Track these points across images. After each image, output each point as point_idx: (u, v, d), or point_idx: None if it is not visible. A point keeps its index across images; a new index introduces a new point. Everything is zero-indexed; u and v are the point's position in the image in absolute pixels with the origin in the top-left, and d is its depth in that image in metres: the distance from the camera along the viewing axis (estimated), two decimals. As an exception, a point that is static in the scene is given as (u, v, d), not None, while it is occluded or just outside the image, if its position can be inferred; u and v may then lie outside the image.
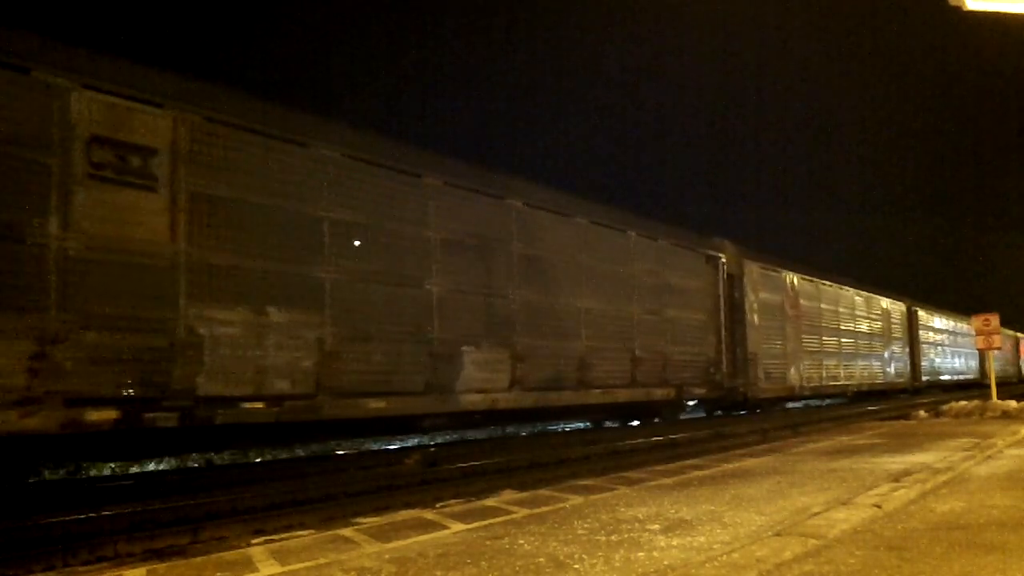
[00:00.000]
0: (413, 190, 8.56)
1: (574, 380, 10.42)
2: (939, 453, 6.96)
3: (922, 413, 13.06)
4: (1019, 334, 40.98)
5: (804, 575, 2.96)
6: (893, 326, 23.88)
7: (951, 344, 30.82)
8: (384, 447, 10.78)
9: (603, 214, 11.75)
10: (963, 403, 12.92)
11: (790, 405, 18.91)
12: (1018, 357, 39.57)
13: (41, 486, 7.53)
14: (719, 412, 15.74)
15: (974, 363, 33.86)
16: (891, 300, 24.07)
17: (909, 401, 21.56)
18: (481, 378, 8.98)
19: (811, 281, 18.27)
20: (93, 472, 8.57)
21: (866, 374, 21.02)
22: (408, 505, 6.08)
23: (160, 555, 4.78)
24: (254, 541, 4.90)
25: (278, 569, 3.36)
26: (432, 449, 9.79)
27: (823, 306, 18.68)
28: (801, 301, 17.45)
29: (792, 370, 16.50)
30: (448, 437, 12.10)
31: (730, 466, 6.59)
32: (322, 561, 3.46)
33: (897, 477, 5.42)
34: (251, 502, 5.96)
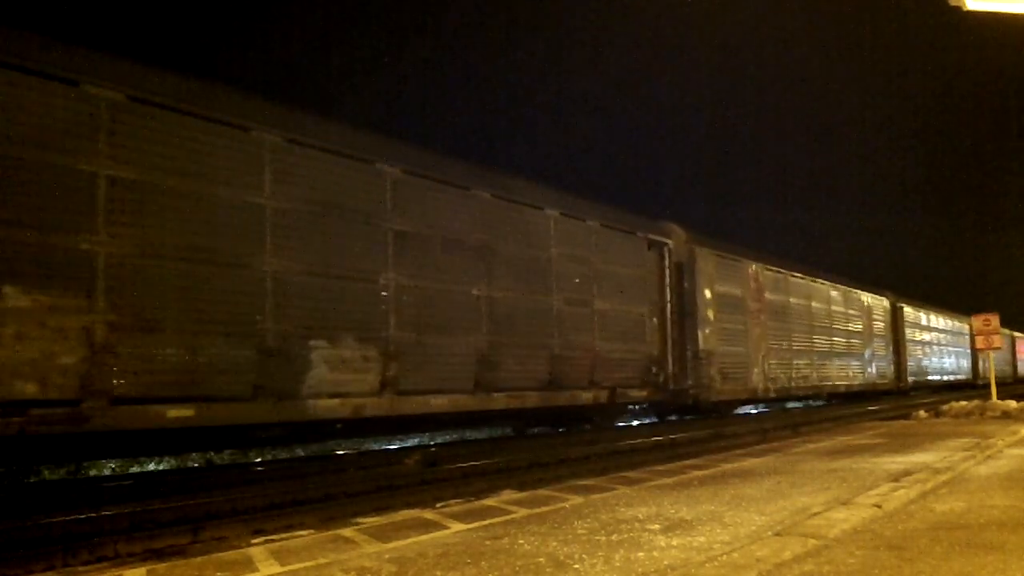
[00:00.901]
0: (240, 146, 7.03)
1: (470, 382, 8.86)
2: (939, 453, 6.97)
3: (922, 413, 13.05)
4: (1016, 333, 40.51)
5: (804, 575, 2.96)
6: (875, 323, 22.26)
7: (941, 343, 29.28)
8: (384, 447, 10.79)
9: (511, 188, 10.11)
10: (963, 403, 12.92)
11: (754, 409, 17.83)
12: (1014, 357, 39.23)
13: (41, 486, 7.54)
14: (673, 417, 14.56)
15: (966, 363, 32.58)
16: (873, 295, 22.44)
17: (891, 403, 20.62)
18: (338, 380, 7.47)
19: (779, 273, 16.72)
20: (93, 472, 8.57)
21: (843, 375, 19.48)
22: (408, 505, 6.08)
23: (160, 555, 4.79)
24: (254, 541, 4.90)
25: (278, 569, 3.36)
26: (432, 449, 9.79)
27: (793, 300, 17.14)
28: (767, 295, 15.87)
29: (755, 370, 14.94)
30: (448, 437, 12.10)
31: (730, 466, 6.59)
32: (322, 561, 3.46)
33: (897, 477, 5.42)
34: (251, 502, 5.96)
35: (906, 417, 13.09)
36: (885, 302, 23.45)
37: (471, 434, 11.88)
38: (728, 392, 14.00)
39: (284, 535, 4.88)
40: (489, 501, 5.33)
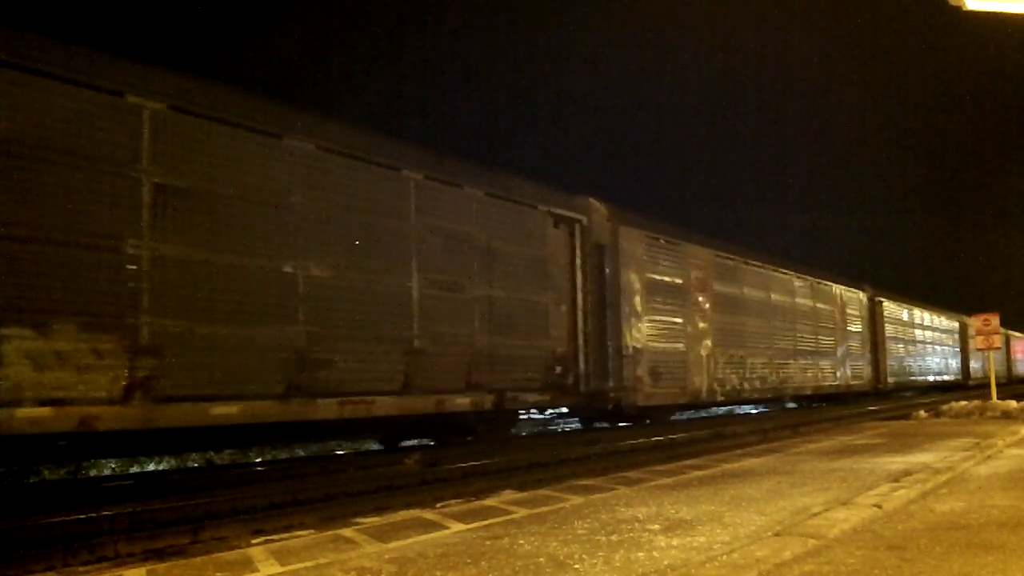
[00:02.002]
0: None
1: (280, 384, 6.94)
2: (939, 453, 6.97)
3: (922, 413, 13.07)
4: (1013, 333, 39.75)
5: (804, 575, 2.96)
6: (850, 319, 20.29)
7: (927, 340, 27.23)
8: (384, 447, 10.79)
9: (350, 141, 7.96)
10: (963, 403, 12.93)
11: (699, 414, 16.52)
12: (1009, 357, 38.20)
13: (41, 486, 7.54)
14: (605, 424, 12.89)
15: (955, 363, 30.53)
16: (847, 288, 20.38)
17: (878, 405, 19.44)
18: (48, 381, 5.48)
19: (730, 259, 14.85)
20: (93, 472, 8.58)
21: (810, 375, 17.50)
22: (408, 505, 6.08)
23: (160, 555, 4.79)
24: (254, 541, 4.90)
25: (278, 569, 3.36)
26: (432, 449, 9.78)
27: (748, 292, 15.26)
28: (715, 285, 14.05)
29: (697, 371, 13.15)
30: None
31: (730, 466, 6.59)
32: (322, 561, 3.46)
33: (897, 477, 5.42)
34: (251, 502, 5.95)
35: (906, 417, 13.10)
36: (861, 296, 21.44)
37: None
38: (661, 395, 12.21)
39: (284, 535, 4.88)
40: (489, 501, 5.33)
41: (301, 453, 10.30)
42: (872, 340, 21.72)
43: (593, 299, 11.02)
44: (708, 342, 13.61)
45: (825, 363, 18.55)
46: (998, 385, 30.44)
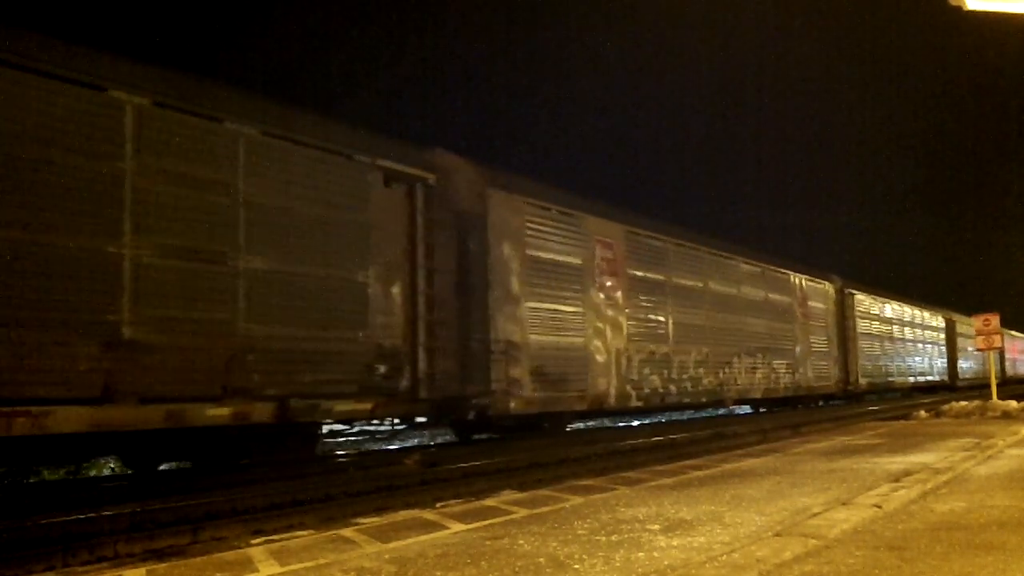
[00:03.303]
0: None
1: None
2: (939, 453, 6.96)
3: (922, 413, 13.08)
4: (1006, 331, 39.60)
5: (804, 575, 2.95)
6: (813, 312, 18.13)
7: (908, 338, 24.94)
8: (384, 447, 10.78)
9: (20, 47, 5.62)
10: (963, 403, 12.94)
11: (596, 423, 14.32)
12: (1002, 356, 36.95)
13: (41, 486, 7.54)
14: (484, 436, 10.78)
15: (941, 362, 28.26)
16: (810, 278, 18.33)
17: (841, 411, 17.50)
18: None
19: (653, 238, 12.59)
20: (93, 472, 8.57)
21: (758, 376, 15.20)
22: (408, 505, 6.08)
23: (160, 555, 4.78)
24: (254, 541, 4.90)
25: (278, 569, 3.36)
26: (432, 449, 9.78)
27: (677, 277, 13.01)
28: (630, 267, 11.87)
29: (603, 370, 10.98)
30: (447, 438, 12.09)
31: (730, 466, 6.59)
32: (322, 561, 3.46)
33: (897, 477, 5.42)
34: (251, 502, 5.95)
35: (906, 417, 13.10)
36: (827, 287, 19.23)
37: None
38: (549, 401, 10.02)
39: (284, 535, 4.87)
40: (489, 501, 5.33)
41: (473, 436, 10.29)
42: (841, 337, 19.58)
43: (448, 281, 8.73)
44: (619, 336, 11.37)
45: (779, 362, 16.23)
46: (988, 385, 29.40)
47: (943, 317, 29.55)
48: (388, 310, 8.14)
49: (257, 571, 3.35)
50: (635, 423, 15.02)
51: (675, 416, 16.23)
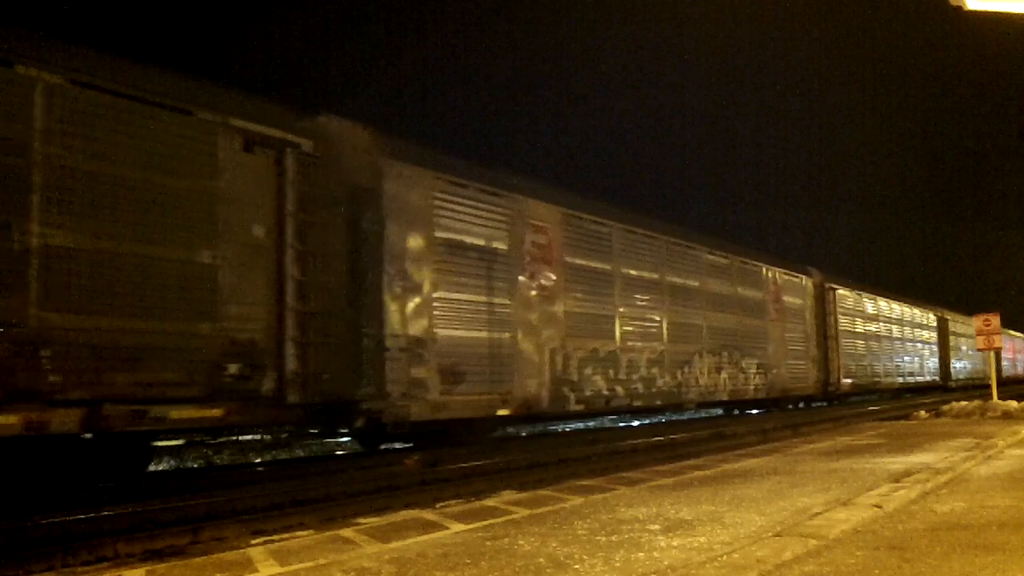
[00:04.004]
0: None
1: None
2: (940, 453, 6.96)
3: (922, 413, 13.09)
4: (1009, 332, 39.11)
5: (804, 575, 2.95)
6: (790, 308, 16.97)
7: (895, 336, 23.59)
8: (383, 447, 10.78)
9: None
10: (963, 403, 12.94)
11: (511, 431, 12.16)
12: (997, 356, 36.67)
13: (41, 486, 7.54)
14: (386, 446, 9.56)
15: (933, 362, 27.06)
16: (785, 271, 17.08)
17: (822, 414, 16.39)
18: None
19: (597, 222, 11.36)
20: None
21: (724, 377, 14.03)
22: (408, 505, 6.08)
23: (160, 555, 4.78)
24: (254, 541, 4.90)
25: (278, 569, 3.36)
26: (432, 449, 9.77)
27: (627, 267, 11.78)
28: (568, 255, 10.65)
29: (533, 370, 9.80)
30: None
31: (730, 466, 6.59)
32: (322, 561, 3.45)
33: (897, 477, 5.42)
34: (251, 502, 5.96)
35: (906, 417, 13.11)
36: (806, 281, 17.96)
37: None
38: (463, 405, 8.78)
39: (284, 535, 4.87)
40: (489, 501, 5.33)
41: (301, 453, 10.30)
42: (821, 335, 18.28)
43: (332, 265, 7.51)
44: (555, 332, 10.19)
45: (749, 362, 14.94)
46: (983, 386, 28.22)
47: (935, 315, 28.41)
48: (246, 298, 6.83)
49: (257, 571, 3.35)
50: (635, 423, 14.96)
51: (675, 416, 16.14)
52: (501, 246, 9.53)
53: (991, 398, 13.35)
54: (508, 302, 9.51)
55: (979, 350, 15.99)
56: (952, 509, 4.28)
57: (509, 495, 5.89)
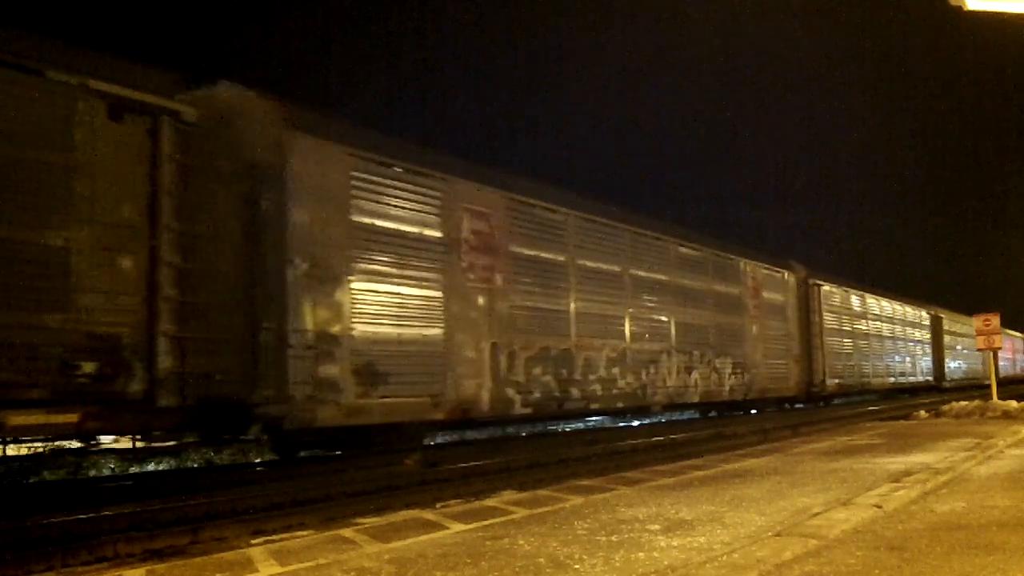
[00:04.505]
0: None
1: None
2: (940, 453, 6.96)
3: (922, 413, 13.09)
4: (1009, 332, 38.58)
5: (805, 575, 2.95)
6: (770, 305, 16.08)
7: (885, 335, 22.61)
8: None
9: None
10: (963, 403, 12.94)
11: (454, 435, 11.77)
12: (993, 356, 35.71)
13: (41, 486, 7.55)
14: (320, 452, 8.79)
15: (926, 362, 26.15)
16: (764, 265, 16.14)
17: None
18: None
19: (549, 210, 10.38)
20: (93, 472, 8.58)
21: (695, 377, 13.06)
22: (408, 505, 6.08)
23: (160, 555, 4.78)
24: (254, 541, 4.90)
25: (278, 569, 3.36)
26: (432, 449, 9.76)
27: (583, 259, 10.86)
28: (514, 246, 9.69)
29: (472, 369, 8.86)
30: (447, 438, 12.07)
31: (730, 466, 6.59)
32: (322, 561, 3.45)
33: (897, 477, 5.42)
34: (251, 502, 5.95)
35: (906, 417, 13.11)
36: (788, 276, 17.06)
37: (471, 434, 11.68)
38: (386, 409, 7.86)
39: (284, 535, 4.88)
40: (489, 501, 5.33)
41: (301, 453, 10.29)
42: (805, 333, 17.44)
43: (225, 251, 6.69)
44: (498, 328, 9.26)
45: (724, 361, 14.05)
46: (983, 386, 27.61)
47: (928, 313, 27.52)
48: (108, 286, 5.95)
49: (257, 571, 3.35)
50: (635, 423, 14.94)
51: (676, 416, 16.13)
52: (433, 233, 8.60)
53: (991, 398, 13.35)
54: (441, 295, 8.56)
55: (979, 350, 15.96)
56: (952, 509, 4.28)
57: (509, 495, 5.89)
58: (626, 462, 8.53)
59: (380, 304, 7.92)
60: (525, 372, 9.62)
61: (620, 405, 11.48)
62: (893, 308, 23.68)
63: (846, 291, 20.04)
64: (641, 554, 3.34)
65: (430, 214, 8.60)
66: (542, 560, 3.29)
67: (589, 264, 10.98)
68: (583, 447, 9.90)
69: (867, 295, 21.66)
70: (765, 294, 15.95)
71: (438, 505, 5.92)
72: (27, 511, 5.29)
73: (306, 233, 7.29)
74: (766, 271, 16.22)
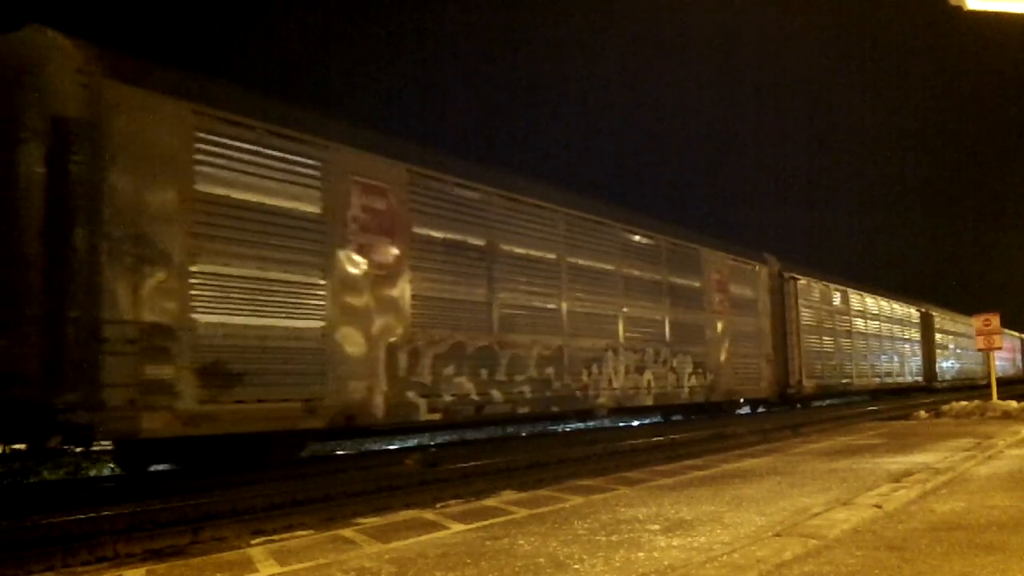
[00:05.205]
0: None
1: None
2: (940, 453, 6.96)
3: (923, 413, 13.09)
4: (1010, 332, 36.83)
5: (805, 575, 2.95)
6: (739, 300, 14.92)
7: (870, 332, 21.46)
8: (384, 447, 10.78)
9: None
10: (963, 403, 12.96)
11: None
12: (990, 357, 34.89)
13: (41, 486, 7.54)
14: (158, 468, 7.63)
15: (915, 362, 25.08)
16: (733, 256, 15.01)
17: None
18: None
19: (467, 187, 9.19)
20: (93, 472, 8.58)
21: (650, 378, 12.00)
22: (408, 505, 6.08)
23: (160, 555, 4.78)
24: (254, 541, 4.90)
25: (278, 569, 3.36)
26: (432, 449, 9.76)
27: (509, 246, 9.68)
28: (417, 227, 8.46)
29: (361, 368, 7.66)
30: (448, 437, 12.07)
31: (730, 466, 6.59)
32: (322, 561, 3.45)
33: (897, 477, 5.42)
34: (251, 502, 5.95)
35: (906, 417, 13.12)
36: (760, 270, 15.97)
37: (472, 434, 11.71)
38: (241, 417, 6.56)
39: (284, 535, 4.88)
40: (489, 501, 5.33)
41: (301, 453, 10.28)
42: (779, 330, 16.33)
43: (16, 218, 5.59)
44: (397, 321, 8.03)
45: (682, 360, 12.87)
46: (973, 387, 25.85)
47: (917, 310, 26.33)
48: None
49: (257, 571, 3.35)
50: (635, 423, 14.93)
51: (676, 416, 16.11)
52: (310, 209, 7.35)
53: (991, 398, 13.36)
54: (320, 281, 7.32)
55: (979, 350, 15.95)
56: (952, 509, 4.28)
57: (509, 495, 5.89)
58: (626, 462, 8.53)
59: (235, 290, 6.60)
60: (432, 372, 8.40)
61: (555, 409, 10.39)
62: (879, 304, 22.52)
63: (826, 285, 18.93)
64: (641, 554, 3.34)
65: (306, 186, 7.32)
66: (542, 560, 3.29)
67: (516, 250, 9.77)
68: (583, 447, 9.89)
69: (850, 290, 20.50)
70: (733, 288, 14.81)
71: (438, 505, 5.92)
72: (27, 511, 5.29)
73: (130, 203, 6.06)
74: (734, 262, 14.99)
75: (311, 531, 4.96)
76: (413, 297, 8.29)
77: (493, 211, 9.47)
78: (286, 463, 7.65)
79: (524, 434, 12.44)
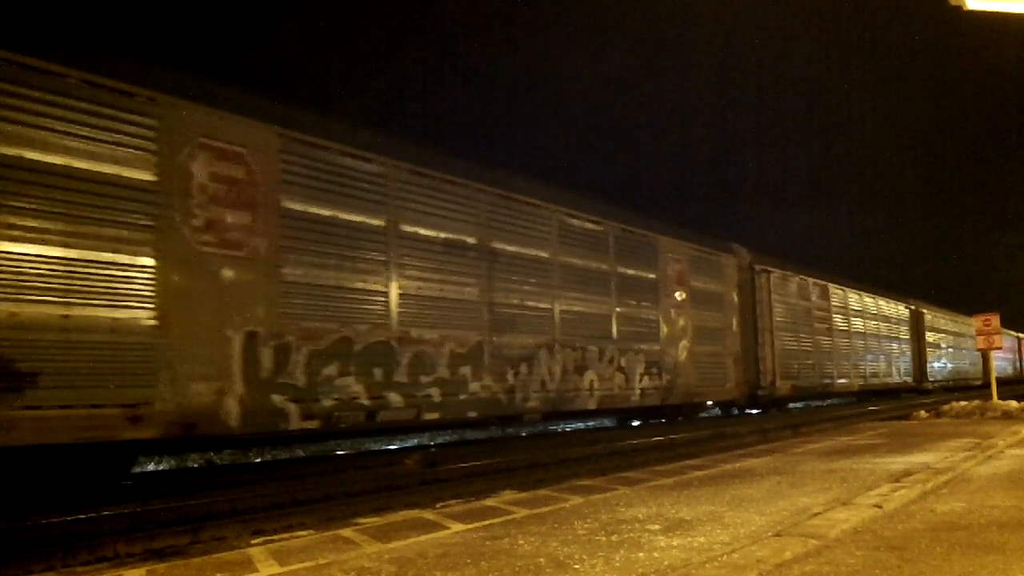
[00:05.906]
0: None
1: None
2: (940, 453, 6.96)
3: (923, 413, 13.09)
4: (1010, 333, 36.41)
5: (805, 575, 2.95)
6: (701, 293, 13.59)
7: (854, 331, 20.15)
8: (384, 447, 10.78)
9: None
10: (963, 403, 12.95)
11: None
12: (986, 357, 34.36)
13: (40, 486, 7.54)
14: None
15: (904, 362, 23.74)
16: (695, 247, 13.66)
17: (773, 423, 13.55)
18: None
19: (360, 157, 7.95)
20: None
21: (592, 379, 10.76)
22: (408, 505, 6.08)
23: (160, 555, 4.79)
24: (254, 541, 4.90)
25: (278, 569, 3.36)
26: (432, 449, 9.76)
27: (414, 227, 8.43)
28: (288, 201, 7.25)
29: (209, 370, 6.46)
30: (448, 437, 12.07)
31: (730, 466, 6.59)
32: (322, 561, 3.45)
33: (898, 477, 5.42)
34: (251, 502, 5.96)
35: (906, 417, 13.12)
36: (727, 260, 14.59)
37: (472, 434, 11.74)
38: (39, 427, 5.37)
39: (284, 535, 4.88)
40: (489, 501, 5.33)
41: (301, 453, 10.30)
42: (750, 328, 15.16)
43: None
44: (261, 311, 6.87)
45: (633, 359, 11.67)
46: (971, 388, 25.50)
47: (906, 307, 24.90)
48: None
49: (257, 571, 3.35)
50: (635, 423, 14.91)
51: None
52: (139, 176, 6.12)
53: (991, 398, 13.36)
54: (151, 263, 6.11)
55: (979, 350, 15.93)
56: (952, 509, 4.28)
57: (509, 495, 5.89)
58: (626, 462, 8.53)
59: (27, 273, 5.44)
60: (307, 372, 7.18)
61: (473, 415, 8.96)
62: (864, 300, 21.05)
63: (803, 279, 17.53)
64: (641, 554, 3.34)
65: (132, 148, 6.11)
66: (542, 560, 3.29)
67: (423, 232, 8.55)
68: (583, 447, 9.90)
69: (831, 285, 19.11)
70: (696, 281, 13.50)
71: (438, 505, 5.92)
72: (27, 511, 5.29)
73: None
74: (696, 253, 13.61)
75: (311, 531, 4.96)
76: (282, 283, 7.08)
77: (395, 186, 8.26)
78: (114, 482, 6.49)
79: (524, 434, 12.46)
